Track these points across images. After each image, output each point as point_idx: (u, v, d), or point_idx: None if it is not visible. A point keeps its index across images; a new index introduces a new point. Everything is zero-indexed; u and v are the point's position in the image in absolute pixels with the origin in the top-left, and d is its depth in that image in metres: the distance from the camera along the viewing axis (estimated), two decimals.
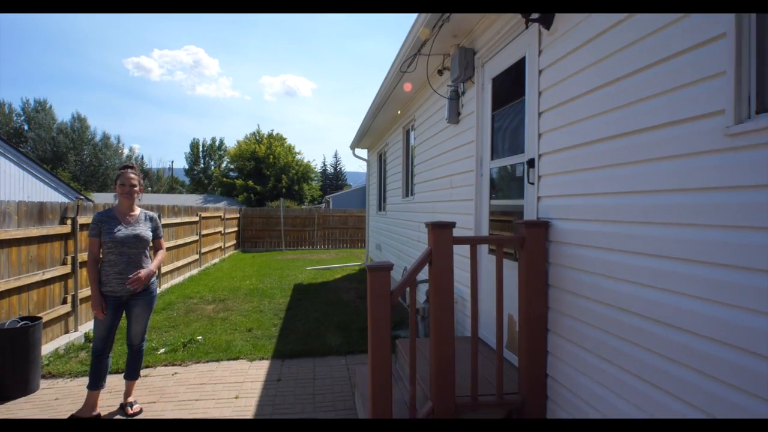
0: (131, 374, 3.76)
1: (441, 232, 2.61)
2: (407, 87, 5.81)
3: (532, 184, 3.01)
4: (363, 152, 11.94)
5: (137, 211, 3.72)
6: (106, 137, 43.79)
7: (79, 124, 41.99)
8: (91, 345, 5.41)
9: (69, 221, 5.56)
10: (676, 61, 1.84)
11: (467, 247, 3.63)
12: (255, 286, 9.01)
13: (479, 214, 3.97)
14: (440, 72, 4.88)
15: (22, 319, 4.37)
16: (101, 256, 3.57)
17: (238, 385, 4.17)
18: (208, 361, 4.80)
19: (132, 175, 3.65)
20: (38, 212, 5.05)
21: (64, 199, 13.48)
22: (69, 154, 39.66)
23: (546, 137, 2.83)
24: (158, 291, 8.90)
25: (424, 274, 4.49)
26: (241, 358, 4.87)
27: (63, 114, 66.28)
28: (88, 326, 5.82)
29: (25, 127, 40.63)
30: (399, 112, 7.24)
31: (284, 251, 17.23)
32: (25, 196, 11.62)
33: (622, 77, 2.14)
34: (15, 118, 40.94)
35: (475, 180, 3.98)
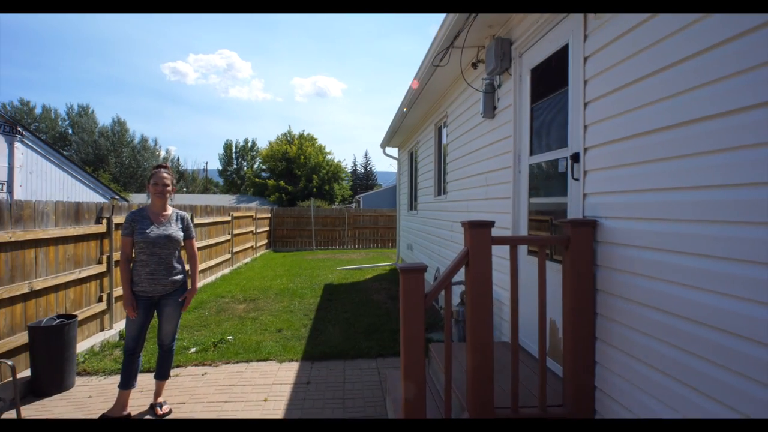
0: (162, 374, 3.74)
1: (479, 231, 2.44)
2: (436, 83, 5.63)
3: (577, 180, 2.78)
4: (393, 151, 11.81)
5: (169, 210, 3.70)
6: (144, 140, 45.35)
7: (119, 127, 43.64)
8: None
9: (104, 221, 5.65)
10: (740, 42, 1.61)
11: (505, 247, 3.44)
12: (285, 286, 9.02)
13: (517, 213, 3.75)
14: (474, 65, 4.67)
15: (59, 317, 4.44)
16: (133, 255, 3.58)
17: (267, 387, 4.10)
18: (237, 362, 4.76)
19: (165, 175, 3.63)
20: (75, 212, 5.14)
21: (102, 200, 13.94)
22: (109, 157, 41.28)
23: (592, 129, 2.61)
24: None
25: (458, 275, 4.32)
26: (271, 360, 4.81)
27: (104, 118, 69.29)
28: (122, 324, 5.90)
29: (69, 131, 42.54)
30: (428, 108, 7.07)
31: (315, 251, 17.29)
32: (65, 197, 12.06)
33: (679, 61, 1.91)
34: (60, 122, 42.95)
35: (512, 177, 3.76)
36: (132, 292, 3.50)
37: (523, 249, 3.58)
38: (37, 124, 41.86)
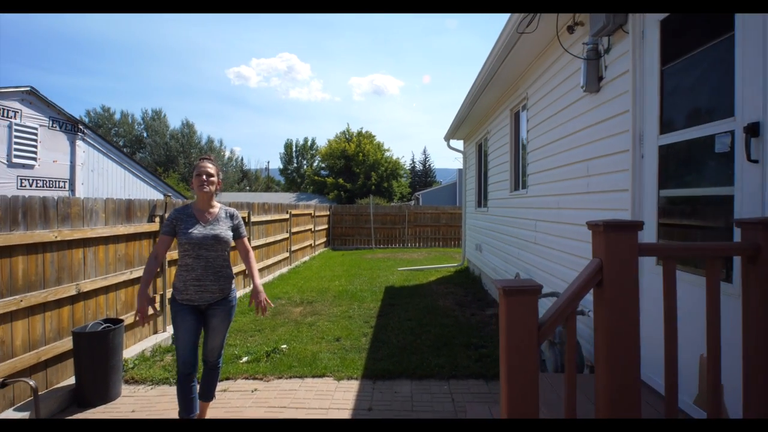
0: (206, 394, 3.27)
1: (619, 237, 1.67)
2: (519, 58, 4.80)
3: (756, 162, 1.93)
4: (458, 143, 10.99)
5: (216, 207, 3.20)
6: (210, 141, 47.29)
7: (188, 129, 45.80)
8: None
9: (157, 219, 5.36)
10: None
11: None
12: (344, 288, 8.51)
13: (639, 210, 2.89)
14: (570, 29, 3.83)
15: (106, 321, 4.14)
16: (177, 258, 3.11)
17: (322, 412, 3.53)
18: (291, 377, 4.25)
19: (208, 165, 3.12)
20: (126, 210, 4.86)
21: (174, 198, 14.22)
22: (179, 158, 43.43)
23: None
24: (251, 287, 8.74)
25: (548, 285, 3.55)
26: (327, 376, 4.25)
27: (174, 121, 73.93)
28: None
29: (144, 135, 45.28)
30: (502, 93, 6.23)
31: (374, 249, 16.81)
32: (126, 195, 12.33)
33: None
34: (136, 126, 45.82)
35: (631, 163, 2.91)
36: (147, 294, 2.98)
37: (645, 260, 2.73)
38: (116, 128, 44.98)
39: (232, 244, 3.23)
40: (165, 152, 43.61)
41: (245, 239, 3.31)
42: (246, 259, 3.27)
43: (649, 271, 2.72)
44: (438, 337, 5.29)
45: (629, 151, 2.93)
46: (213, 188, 3.11)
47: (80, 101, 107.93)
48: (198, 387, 3.16)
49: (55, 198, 4.00)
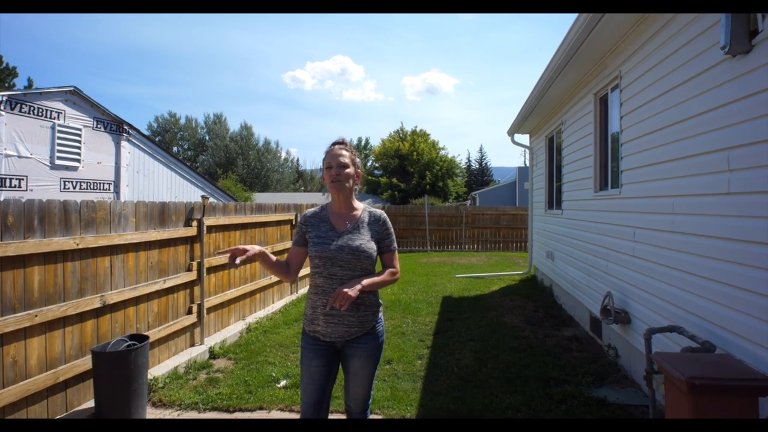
0: None
1: None
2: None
3: None
4: (523, 138, 9.96)
5: (358, 209, 2.41)
6: (267, 142, 48.52)
7: (246, 132, 47.18)
8: (219, 364, 4.74)
9: (195, 223, 4.93)
10: None
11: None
12: (397, 297, 7.80)
13: None
14: None
15: (132, 337, 3.70)
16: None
17: None
18: (333, 410, 3.60)
19: (342, 152, 2.35)
20: (159, 213, 4.44)
21: (212, 200, 14.15)
22: (238, 159, 44.78)
23: None
24: (296, 296, 8.28)
25: (656, 311, 2.63)
26: (375, 413, 3.57)
27: (234, 124, 77.05)
28: (214, 339, 5.17)
29: (206, 138, 47.18)
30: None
31: (429, 252, 16.00)
32: (173, 197, 12.28)
33: None
34: (199, 130, 47.86)
35: None
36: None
37: None
38: (181, 132, 47.28)
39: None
40: (225, 154, 45.17)
41: (394, 254, 2.44)
42: (381, 278, 2.36)
43: None
44: (507, 366, 4.44)
45: None
46: (350, 183, 2.35)
47: (150, 108, 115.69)
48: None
49: (78, 202, 3.60)
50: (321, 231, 2.31)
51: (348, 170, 2.33)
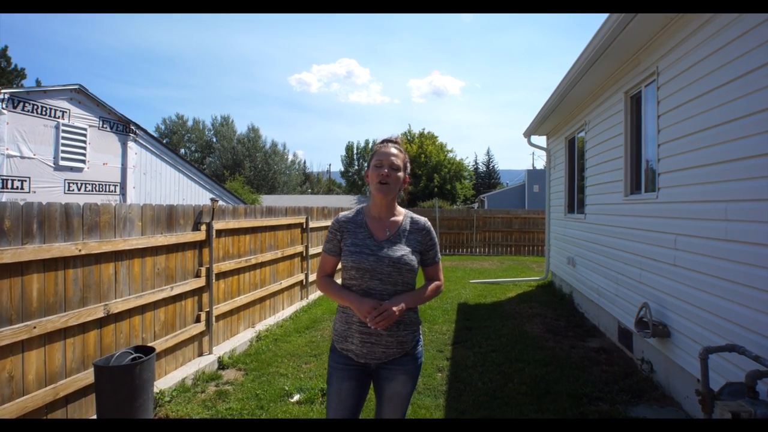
0: None
1: None
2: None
3: None
4: (540, 140, 9.67)
5: (400, 215, 2.16)
6: (274, 144, 48.47)
7: (253, 134, 47.17)
8: (229, 375, 4.48)
9: (203, 227, 4.70)
10: None
11: None
12: None
13: None
14: None
15: (137, 349, 3.46)
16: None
17: None
18: None
19: (397, 152, 2.11)
20: (166, 217, 4.21)
21: (221, 203, 13.92)
22: (245, 161, 44.76)
23: None
24: (307, 301, 8.01)
25: (704, 327, 2.37)
26: None
27: (241, 127, 77.16)
28: (222, 348, 4.94)
29: (214, 140, 47.25)
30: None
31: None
32: (180, 199, 12.00)
33: None
34: (206, 132, 47.93)
35: None
36: (355, 295, 2.00)
37: None
38: (189, 134, 47.37)
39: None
40: (232, 156, 45.17)
41: (438, 266, 2.19)
42: (426, 293, 2.11)
43: None
44: (535, 380, 4.17)
45: None
46: (398, 188, 2.11)
47: (157, 110, 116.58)
48: None
49: (81, 205, 3.38)
50: (358, 238, 2.07)
51: (399, 174, 2.09)
